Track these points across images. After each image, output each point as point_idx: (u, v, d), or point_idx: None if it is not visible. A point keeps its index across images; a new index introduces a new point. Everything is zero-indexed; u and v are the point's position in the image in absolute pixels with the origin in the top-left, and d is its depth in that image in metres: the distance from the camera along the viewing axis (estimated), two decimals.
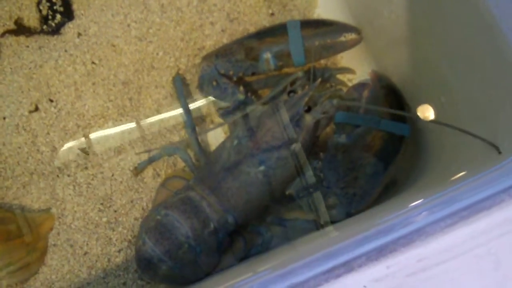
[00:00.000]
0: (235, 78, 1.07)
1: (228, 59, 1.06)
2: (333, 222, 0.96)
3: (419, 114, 0.99)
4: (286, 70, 1.08)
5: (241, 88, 1.06)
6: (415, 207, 0.77)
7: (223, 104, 1.07)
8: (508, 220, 0.65)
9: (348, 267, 0.65)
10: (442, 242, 0.65)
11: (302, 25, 1.04)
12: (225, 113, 1.06)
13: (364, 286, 0.63)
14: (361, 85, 1.04)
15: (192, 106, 1.10)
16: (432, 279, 0.64)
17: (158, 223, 0.96)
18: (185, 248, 0.94)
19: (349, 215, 0.95)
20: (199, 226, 0.95)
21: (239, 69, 1.06)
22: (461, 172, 0.82)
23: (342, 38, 1.04)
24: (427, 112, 0.98)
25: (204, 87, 1.07)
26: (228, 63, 1.06)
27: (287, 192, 0.99)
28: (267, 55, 1.05)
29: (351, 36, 1.04)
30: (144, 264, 0.97)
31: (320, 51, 1.04)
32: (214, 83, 1.06)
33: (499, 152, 0.78)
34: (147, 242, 0.96)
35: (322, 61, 1.12)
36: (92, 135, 1.09)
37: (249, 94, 1.06)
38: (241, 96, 1.05)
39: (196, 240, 0.95)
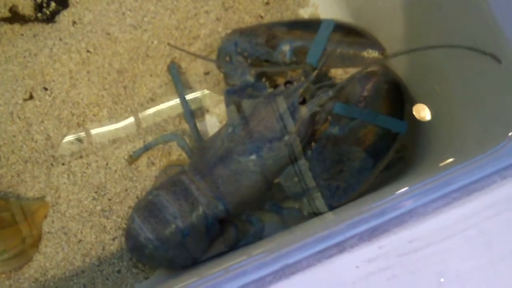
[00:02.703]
0: (249, 60, 1.07)
1: (249, 40, 1.06)
2: (316, 213, 0.96)
3: (414, 113, 0.99)
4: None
5: (253, 71, 1.06)
6: (407, 192, 0.77)
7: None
8: (500, 201, 0.65)
9: (340, 247, 0.65)
10: (434, 223, 0.65)
11: (335, 28, 1.03)
12: (230, 91, 1.06)
13: (357, 266, 0.64)
14: (365, 78, 1.02)
15: (189, 95, 1.10)
16: (424, 259, 0.64)
17: (148, 202, 0.98)
18: (172, 228, 0.95)
19: (331, 207, 0.95)
20: (188, 208, 0.96)
21: (255, 53, 1.06)
22: (453, 158, 0.82)
23: (364, 53, 1.02)
24: (422, 112, 0.98)
25: (220, 59, 1.08)
26: (247, 44, 1.06)
27: (275, 181, 0.99)
28: (286, 47, 1.04)
29: (374, 53, 1.02)
30: (132, 242, 0.98)
31: (337, 58, 1.03)
32: (228, 58, 1.06)
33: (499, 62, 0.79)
34: (136, 220, 0.97)
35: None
36: (87, 124, 1.09)
37: (263, 79, 1.06)
38: (250, 78, 1.05)
39: (184, 222, 0.95)
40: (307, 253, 0.66)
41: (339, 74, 1.10)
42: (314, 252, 0.65)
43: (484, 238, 0.64)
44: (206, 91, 1.11)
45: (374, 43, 1.03)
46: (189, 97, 1.10)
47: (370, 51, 1.02)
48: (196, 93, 1.12)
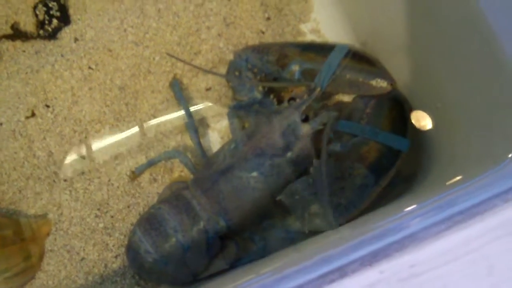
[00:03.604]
0: (258, 77, 1.07)
1: (261, 57, 1.06)
2: (316, 231, 0.95)
3: (413, 121, 0.99)
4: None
5: (260, 88, 1.06)
6: (410, 212, 0.77)
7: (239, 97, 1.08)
8: (501, 225, 0.65)
9: (341, 272, 0.65)
10: (436, 247, 0.65)
11: (347, 54, 1.02)
12: (236, 106, 1.06)
13: None
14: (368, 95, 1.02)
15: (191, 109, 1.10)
16: (425, 284, 0.63)
17: (150, 216, 0.98)
18: (173, 242, 0.95)
19: None
20: (188, 222, 0.96)
21: (265, 70, 1.06)
22: (457, 176, 0.82)
23: (373, 82, 1.01)
24: (422, 121, 0.98)
25: (229, 73, 1.08)
26: (259, 60, 1.06)
27: (277, 198, 0.98)
28: (295, 67, 1.04)
29: (382, 83, 1.00)
30: (132, 255, 0.98)
31: (345, 84, 1.02)
32: (237, 73, 1.07)
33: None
34: (137, 233, 0.97)
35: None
36: (89, 140, 1.09)
37: (271, 96, 1.06)
38: (257, 95, 1.05)
39: (184, 236, 0.95)
40: (309, 277, 0.66)
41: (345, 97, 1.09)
42: (316, 277, 0.65)
43: (486, 263, 0.64)
44: (208, 107, 1.11)
45: (384, 74, 1.02)
46: (190, 108, 1.11)
47: (379, 80, 1.00)
48: (198, 108, 1.12)
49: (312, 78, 1.03)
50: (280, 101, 1.06)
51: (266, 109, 1.04)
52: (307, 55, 1.05)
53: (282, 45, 1.08)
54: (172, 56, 1.10)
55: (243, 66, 1.07)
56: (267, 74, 1.07)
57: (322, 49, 1.05)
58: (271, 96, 1.06)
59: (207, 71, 1.10)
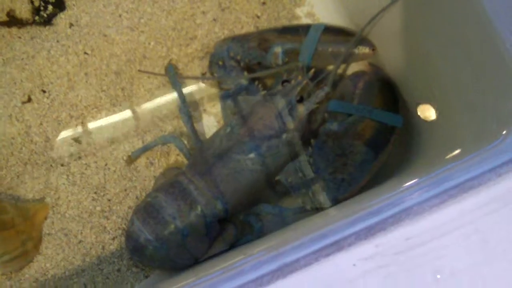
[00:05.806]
0: (242, 64, 1.08)
1: (242, 44, 1.08)
2: (320, 207, 0.96)
3: (419, 113, 1.00)
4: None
5: (246, 74, 1.07)
6: (405, 188, 0.78)
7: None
8: (495, 198, 0.66)
9: (338, 246, 0.65)
10: (430, 220, 0.66)
11: (325, 30, 1.06)
12: (225, 95, 1.08)
13: (354, 265, 0.64)
14: (356, 76, 1.04)
15: (184, 90, 1.11)
16: (420, 257, 0.64)
17: (147, 204, 0.98)
18: (172, 229, 0.96)
19: (336, 200, 0.96)
20: (186, 208, 0.97)
21: (248, 56, 1.08)
22: (453, 152, 0.83)
23: (355, 50, 1.05)
24: (427, 112, 0.99)
25: (212, 65, 1.10)
26: (240, 48, 1.08)
27: (276, 179, 1.00)
28: (278, 49, 1.06)
29: (364, 50, 1.05)
30: (132, 244, 0.98)
31: (329, 57, 1.06)
32: (220, 62, 1.08)
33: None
34: (135, 222, 0.98)
35: None
36: (85, 125, 1.09)
37: (256, 82, 1.07)
38: (244, 81, 1.06)
39: (182, 221, 0.96)
40: (305, 252, 0.66)
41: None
42: (312, 251, 0.66)
43: (480, 236, 0.65)
44: (204, 92, 1.12)
45: (364, 40, 1.06)
46: (186, 92, 1.12)
47: (360, 47, 1.05)
48: (194, 92, 1.12)
49: (295, 56, 1.06)
50: (264, 86, 1.08)
51: (253, 95, 1.05)
52: (286, 36, 1.07)
53: (260, 32, 1.10)
54: (145, 72, 1.11)
55: (225, 56, 1.08)
56: (251, 59, 1.08)
57: (299, 30, 1.08)
58: (256, 83, 1.08)
59: (194, 78, 1.12)
